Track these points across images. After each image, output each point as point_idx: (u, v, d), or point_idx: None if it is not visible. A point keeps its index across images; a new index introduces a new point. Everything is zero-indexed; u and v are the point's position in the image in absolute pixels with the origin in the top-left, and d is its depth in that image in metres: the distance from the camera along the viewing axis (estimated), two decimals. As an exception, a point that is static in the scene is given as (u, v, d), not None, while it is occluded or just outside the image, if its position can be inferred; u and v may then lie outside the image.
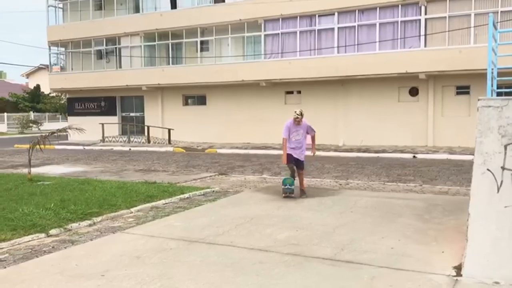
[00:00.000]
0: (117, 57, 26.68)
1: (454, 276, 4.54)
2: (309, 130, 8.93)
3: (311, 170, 13.27)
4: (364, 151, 18.01)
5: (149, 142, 24.42)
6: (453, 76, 18.96)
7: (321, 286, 4.37)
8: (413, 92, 20.32)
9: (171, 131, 24.26)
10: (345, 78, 20.41)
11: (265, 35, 22.09)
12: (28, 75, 55.08)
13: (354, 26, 20.24)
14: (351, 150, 18.69)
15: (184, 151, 20.68)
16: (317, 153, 18.11)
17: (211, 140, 23.66)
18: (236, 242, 5.78)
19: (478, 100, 4.81)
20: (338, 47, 20.59)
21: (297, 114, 8.66)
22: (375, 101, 20.68)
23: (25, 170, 11.93)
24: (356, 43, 20.20)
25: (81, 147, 22.82)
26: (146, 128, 25.20)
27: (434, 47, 18.83)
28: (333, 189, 9.89)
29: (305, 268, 4.86)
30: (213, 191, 9.85)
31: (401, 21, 19.47)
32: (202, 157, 17.87)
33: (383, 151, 17.77)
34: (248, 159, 16.60)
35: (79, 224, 6.94)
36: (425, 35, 19.05)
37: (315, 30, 21.03)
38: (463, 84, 19.20)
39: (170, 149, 21.45)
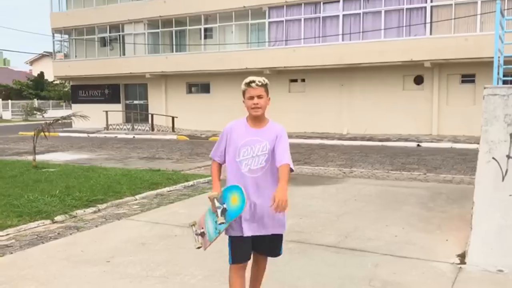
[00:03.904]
0: (121, 44, 26.61)
1: (458, 264, 4.55)
2: (280, 150, 3.14)
3: (314, 159, 13.28)
4: (368, 140, 17.98)
5: (153, 130, 24.45)
6: (458, 65, 18.82)
7: (325, 273, 4.39)
8: (418, 80, 20.21)
9: (175, 119, 24.27)
10: (349, 66, 20.30)
11: (270, 23, 21.95)
12: (32, 62, 55.08)
13: (359, 14, 20.08)
14: (355, 138, 18.66)
15: (188, 139, 20.70)
16: (321, 141, 18.31)
17: (215, 128, 23.65)
18: (240, 230, 5.79)
19: (484, 88, 4.78)
20: (343, 34, 20.45)
21: (257, 83, 3.14)
22: (380, 89, 20.58)
23: (30, 157, 11.98)
24: (361, 30, 20.06)
25: (85, 135, 22.87)
26: (150, 116, 25.20)
27: (439, 35, 18.68)
28: (337, 177, 9.90)
29: (309, 255, 4.88)
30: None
31: (406, 9, 19.29)
32: (206, 145, 17.88)
33: (387, 140, 17.73)
34: (252, 147, 16.59)
35: (84, 210, 6.98)
36: (431, 22, 18.89)
37: (319, 18, 20.88)
38: (469, 72, 19.07)
39: (174, 137, 21.47)
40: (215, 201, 3.13)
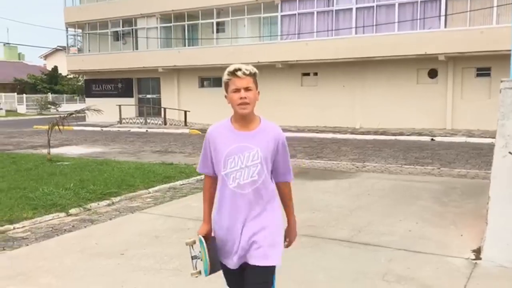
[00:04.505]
0: (134, 38, 26.71)
1: (473, 259, 4.50)
2: (282, 162, 2.60)
3: (327, 153, 13.23)
4: (381, 134, 17.86)
5: (165, 124, 24.54)
6: (473, 58, 18.56)
7: (338, 268, 4.38)
8: (432, 74, 19.99)
9: (187, 113, 24.33)
10: (362, 59, 20.13)
11: (282, 16, 21.85)
12: (46, 56, 55.53)
13: (373, 7, 19.89)
14: (368, 132, 18.55)
15: (200, 133, 20.74)
16: (333, 135, 18.22)
17: (227, 122, 23.65)
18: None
19: (501, 81, 4.70)
20: (356, 28, 20.28)
21: (244, 72, 2.44)
22: (393, 83, 20.40)
23: (45, 151, 12.11)
24: (374, 23, 19.87)
25: (98, 129, 23.05)
26: (162, 110, 25.30)
27: (454, 27, 18.43)
28: (350, 172, 9.85)
29: (322, 250, 4.87)
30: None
31: (420, 1, 19.05)
32: (218, 139, 17.88)
33: (401, 134, 17.59)
34: (264, 141, 16.56)
35: (98, 203, 7.04)
36: (446, 15, 18.64)
37: (332, 11, 20.72)
38: (484, 66, 18.80)
39: (186, 131, 21.54)
40: (191, 248, 2.49)
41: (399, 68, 20.17)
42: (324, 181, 8.65)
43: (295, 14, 21.51)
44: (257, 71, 2.50)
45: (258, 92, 2.53)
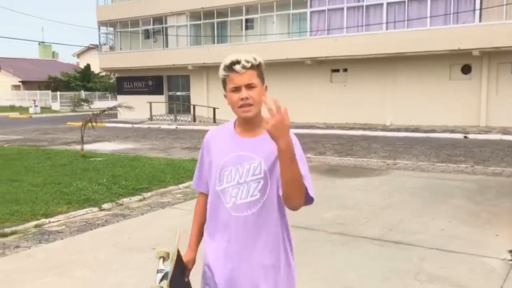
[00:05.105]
0: (164, 36, 27.01)
1: (510, 260, 4.38)
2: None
3: (357, 150, 13.09)
4: (413, 131, 17.54)
5: (194, 120, 24.75)
6: (509, 53, 17.98)
7: (369, 266, 4.33)
8: (466, 70, 19.47)
9: (216, 110, 24.47)
10: (393, 55, 19.80)
11: (311, 12, 21.69)
12: (79, 55, 56.76)
13: (404, 2, 19.50)
14: (398, 129, 18.24)
15: (229, 129, 20.84)
16: (363, 132, 18.02)
17: (256, 119, 23.68)
18: (282, 220, 5.78)
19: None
20: (387, 23, 19.95)
21: (243, 65, 1.88)
22: (425, 79, 19.99)
23: (78, 147, 12.40)
24: (406, 19, 19.49)
25: (130, 125, 23.44)
26: (192, 107, 25.52)
27: (489, 22, 17.88)
28: (380, 169, 9.71)
29: (352, 248, 4.83)
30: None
31: (454, -5, 18.60)
32: (247, 135, 17.93)
33: (433, 131, 17.23)
34: (292, 138, 16.50)
35: (130, 199, 7.17)
36: (480, 9, 18.11)
37: (363, 6, 20.44)
38: (521, 61, 18.22)
39: (215, 127, 21.67)
40: (161, 261, 2.07)
41: (431, 64, 19.74)
42: (354, 178, 8.57)
43: (325, 10, 21.32)
44: (261, 61, 1.95)
45: (266, 87, 1.97)
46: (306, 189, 1.83)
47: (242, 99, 1.88)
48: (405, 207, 6.43)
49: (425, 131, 17.25)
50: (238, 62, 1.87)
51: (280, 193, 1.85)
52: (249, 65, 1.88)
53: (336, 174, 9.05)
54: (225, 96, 1.98)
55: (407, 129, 18.19)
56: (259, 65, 1.92)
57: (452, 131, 17.09)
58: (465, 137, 15.90)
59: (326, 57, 21.26)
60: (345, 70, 22.11)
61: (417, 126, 19.06)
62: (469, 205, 6.44)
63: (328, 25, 21.32)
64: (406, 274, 4.11)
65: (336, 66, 22.21)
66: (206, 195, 2.08)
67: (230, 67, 1.89)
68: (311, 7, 21.61)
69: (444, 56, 19.17)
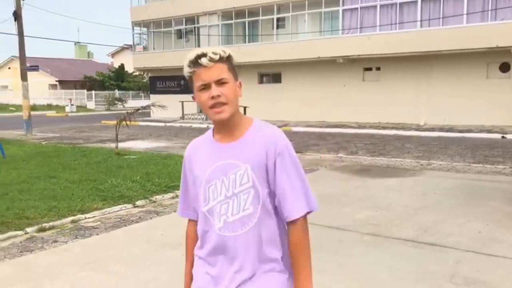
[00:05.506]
0: (196, 36, 27.28)
1: (551, 265, 4.23)
2: (287, 186, 1.66)
3: (390, 150, 12.89)
4: (447, 131, 17.13)
5: (225, 119, 24.88)
6: (551, 50, 17.35)
7: (403, 267, 4.26)
8: (504, 68, 18.87)
9: (246, 108, 24.54)
10: (428, 53, 19.38)
11: (343, 10, 21.48)
12: (113, 55, 57.92)
13: (440, -1, 19.09)
14: (433, 129, 17.86)
15: (260, 128, 20.86)
16: (396, 132, 17.72)
17: (286, 118, 23.63)
18: (313, 220, 5.71)
19: None
20: (421, 21, 19.55)
21: (211, 58, 1.64)
22: (461, 78, 19.48)
23: (112, 145, 12.67)
24: (441, 16, 19.05)
25: (162, 124, 23.79)
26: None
27: (530, 18, 17.29)
28: (414, 170, 9.53)
29: (386, 249, 4.76)
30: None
31: (492, -9, 18.06)
32: (277, 134, 17.89)
33: (468, 131, 16.79)
34: (323, 138, 16.42)
35: (163, 196, 7.27)
36: (520, 5, 17.53)
37: (396, 4, 20.09)
38: None
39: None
40: None
41: (467, 62, 19.23)
42: (387, 179, 8.44)
43: (357, 8, 21.07)
44: (231, 53, 1.70)
45: (240, 83, 1.75)
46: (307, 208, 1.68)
47: (212, 97, 1.63)
48: (440, 208, 6.30)
49: (460, 131, 16.83)
50: (204, 54, 1.63)
51: (277, 203, 1.66)
52: (217, 57, 1.64)
53: (368, 174, 8.94)
54: (193, 98, 1.74)
55: (441, 129, 17.78)
56: (229, 57, 1.69)
57: (489, 131, 16.61)
58: (503, 137, 15.42)
59: (358, 55, 21.01)
60: (378, 68, 21.79)
61: (452, 126, 18.61)
62: (508, 208, 6.25)
63: (360, 23, 21.07)
64: (441, 277, 4.02)
65: (369, 65, 21.93)
66: (196, 221, 1.80)
67: (195, 62, 1.65)
68: (343, 5, 21.39)
69: (481, 54, 18.64)
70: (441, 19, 19.07)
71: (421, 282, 3.96)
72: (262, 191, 1.65)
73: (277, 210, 1.68)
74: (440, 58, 19.65)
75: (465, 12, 18.49)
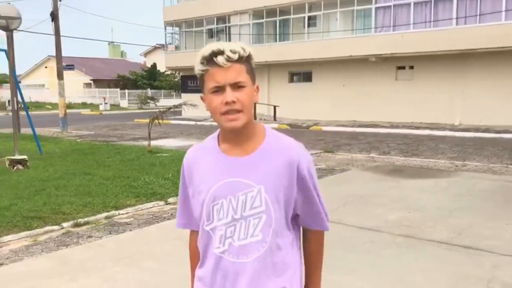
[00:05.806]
0: (227, 35, 27.42)
1: None
2: (307, 201, 1.56)
3: (423, 150, 12.64)
4: (484, 131, 16.67)
5: (255, 118, 24.69)
6: None
7: (437, 270, 4.17)
8: (544, 66, 18.22)
9: (277, 108, 24.52)
10: (463, 52, 18.90)
11: (376, 8, 21.17)
12: (145, 54, 58.84)
13: (476, -5, 18.58)
14: (468, 129, 17.41)
15: (289, 127, 20.80)
16: (430, 132, 17.34)
17: (316, 117, 23.49)
18: (345, 220, 5.71)
19: None
20: (457, 18, 19.07)
21: (228, 57, 1.41)
22: (498, 77, 18.90)
23: (145, 143, 12.88)
24: (478, 13, 18.53)
25: (193, 123, 24.01)
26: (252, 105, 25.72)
27: None
28: (449, 171, 9.32)
29: (419, 251, 4.67)
30: (319, 168, 9.80)
31: (533, -13, 17.45)
32: (306, 134, 17.85)
33: (506, 132, 16.28)
34: (354, 137, 16.24)
35: (194, 194, 7.33)
36: (562, 1, 16.88)
37: (431, 1, 19.66)
38: None
39: (275, 125, 21.69)
40: None
41: (505, 61, 18.64)
42: (420, 179, 8.28)
43: (391, 5, 20.73)
44: (251, 52, 1.48)
45: (257, 87, 1.53)
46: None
47: (227, 103, 1.43)
48: (475, 210, 6.13)
49: (497, 132, 16.34)
50: (221, 52, 1.41)
51: (301, 223, 1.59)
52: (235, 56, 1.42)
53: (401, 175, 8.79)
54: (202, 99, 1.53)
55: (477, 129, 17.32)
56: (248, 57, 1.46)
57: (528, 132, 16.06)
58: (543, 138, 14.89)
59: (391, 53, 20.68)
60: (411, 67, 21.40)
61: (488, 127, 18.09)
62: (548, 211, 6.03)
63: (393, 21, 20.73)
64: (478, 281, 3.92)
65: (402, 63, 21.55)
66: (195, 231, 1.65)
67: (210, 59, 1.42)
68: (376, 3, 21.10)
69: (520, 52, 18.05)
70: (478, 16, 18.55)
71: (456, 285, 3.87)
72: (275, 216, 1.47)
73: (288, 238, 1.54)
74: (476, 57, 19.14)
75: (503, 8, 17.93)
